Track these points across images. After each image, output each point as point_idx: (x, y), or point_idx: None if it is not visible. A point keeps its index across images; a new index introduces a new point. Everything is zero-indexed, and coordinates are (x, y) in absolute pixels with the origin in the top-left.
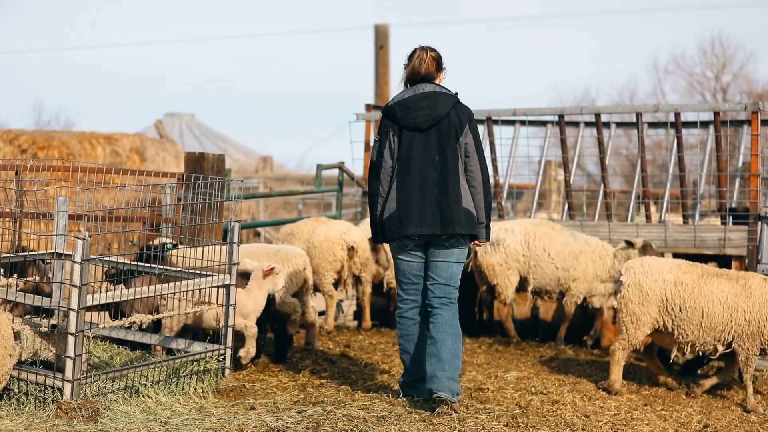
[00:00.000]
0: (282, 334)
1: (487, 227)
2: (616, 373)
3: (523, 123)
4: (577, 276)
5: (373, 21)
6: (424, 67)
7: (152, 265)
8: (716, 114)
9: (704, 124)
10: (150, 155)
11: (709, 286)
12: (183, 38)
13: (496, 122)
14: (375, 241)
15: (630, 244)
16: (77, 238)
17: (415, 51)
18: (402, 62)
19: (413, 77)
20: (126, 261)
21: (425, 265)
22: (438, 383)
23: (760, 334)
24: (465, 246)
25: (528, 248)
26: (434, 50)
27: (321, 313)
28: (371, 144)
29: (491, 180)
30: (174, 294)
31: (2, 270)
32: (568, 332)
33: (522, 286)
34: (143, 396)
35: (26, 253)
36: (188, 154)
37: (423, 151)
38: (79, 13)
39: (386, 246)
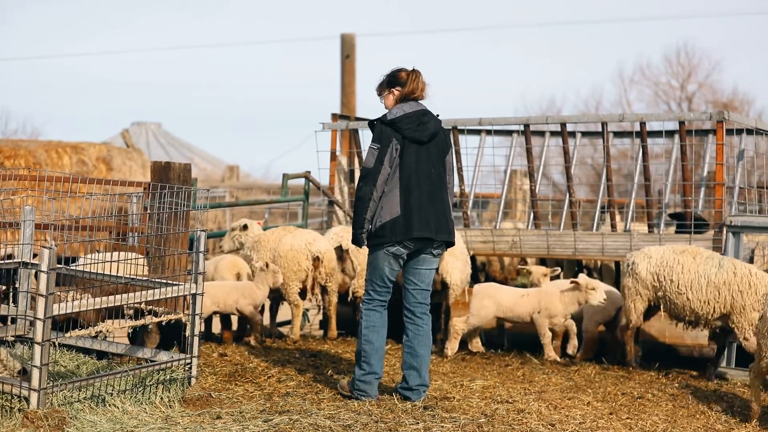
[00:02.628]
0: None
1: None
2: (751, 396)
3: (488, 132)
4: (727, 309)
5: (340, 30)
6: (420, 87)
7: (119, 275)
8: (681, 123)
9: (669, 134)
10: (116, 164)
11: None
12: (149, 47)
13: (461, 131)
14: (358, 243)
15: None
16: (44, 247)
17: (402, 73)
18: (369, 73)
19: (406, 96)
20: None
21: (406, 272)
22: (417, 395)
23: None
24: (441, 255)
25: (657, 278)
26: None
27: (287, 323)
28: (338, 153)
29: (457, 189)
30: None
31: None
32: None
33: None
34: (110, 405)
35: None
36: (155, 164)
37: (424, 163)
38: (46, 22)
39: (352, 255)
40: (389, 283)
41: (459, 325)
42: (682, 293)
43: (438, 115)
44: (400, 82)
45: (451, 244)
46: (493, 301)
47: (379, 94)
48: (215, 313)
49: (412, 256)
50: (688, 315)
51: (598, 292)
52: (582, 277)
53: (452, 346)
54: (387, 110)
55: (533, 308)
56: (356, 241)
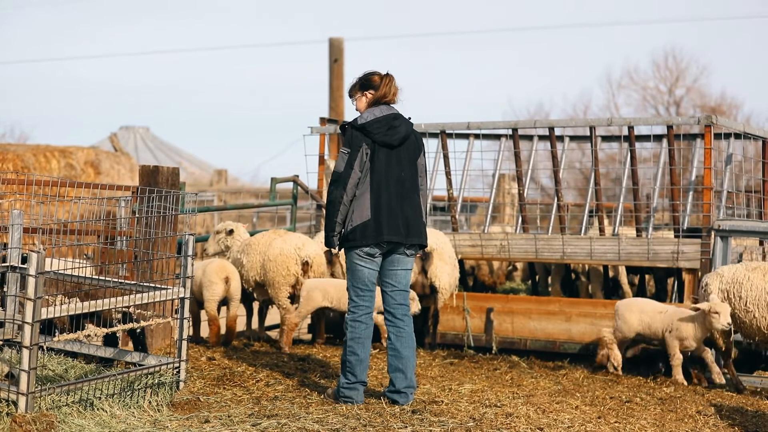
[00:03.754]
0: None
1: None
2: None
3: (477, 136)
4: None
5: (328, 35)
6: (393, 91)
7: (106, 279)
8: (669, 127)
9: (657, 138)
10: (105, 168)
11: None
12: (138, 51)
13: (450, 136)
14: (330, 245)
15: None
16: (32, 251)
17: (375, 77)
18: (353, 79)
19: (378, 100)
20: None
21: (382, 274)
22: (404, 398)
23: None
24: (416, 255)
25: (727, 296)
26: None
27: (275, 326)
28: (326, 157)
29: (445, 193)
30: (129, 307)
31: None
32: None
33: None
34: (98, 409)
35: None
36: (143, 168)
37: (394, 167)
38: (34, 26)
39: (341, 260)
40: (371, 285)
41: (608, 335)
42: (750, 311)
43: (410, 118)
44: (373, 86)
45: (424, 245)
46: (636, 316)
47: (351, 96)
48: (327, 309)
49: (385, 257)
50: (757, 334)
51: (722, 316)
52: (712, 299)
53: (614, 355)
54: (359, 112)
55: (665, 327)
56: (328, 243)
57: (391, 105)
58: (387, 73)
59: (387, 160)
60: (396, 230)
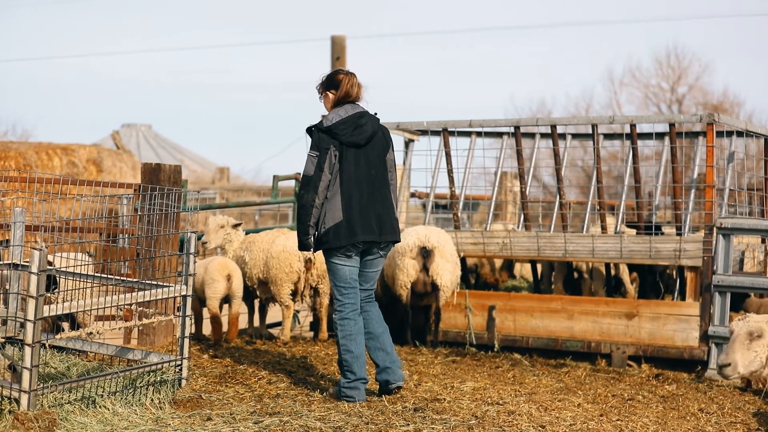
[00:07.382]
0: None
1: None
2: None
3: (479, 134)
4: None
5: (330, 32)
6: (356, 90)
7: (109, 276)
8: (672, 125)
9: (660, 136)
10: (107, 166)
11: None
12: (140, 49)
13: (452, 133)
14: (305, 248)
15: None
16: (34, 248)
17: (339, 75)
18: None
19: (342, 99)
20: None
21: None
22: (393, 374)
23: None
24: (388, 253)
25: None
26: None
27: (277, 324)
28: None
29: (447, 191)
30: (131, 304)
31: None
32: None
33: None
34: (100, 407)
35: None
36: (145, 165)
37: (363, 166)
38: (35, 23)
39: None
40: (353, 282)
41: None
42: None
43: (376, 114)
44: (335, 85)
45: (397, 241)
46: None
47: (319, 94)
48: None
49: (361, 257)
50: None
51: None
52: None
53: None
54: (326, 110)
55: None
56: (303, 246)
57: (357, 103)
58: (348, 72)
59: (356, 160)
60: (369, 230)
